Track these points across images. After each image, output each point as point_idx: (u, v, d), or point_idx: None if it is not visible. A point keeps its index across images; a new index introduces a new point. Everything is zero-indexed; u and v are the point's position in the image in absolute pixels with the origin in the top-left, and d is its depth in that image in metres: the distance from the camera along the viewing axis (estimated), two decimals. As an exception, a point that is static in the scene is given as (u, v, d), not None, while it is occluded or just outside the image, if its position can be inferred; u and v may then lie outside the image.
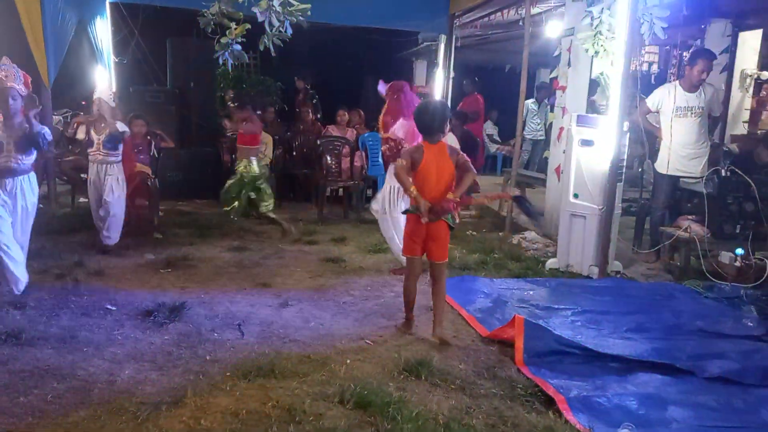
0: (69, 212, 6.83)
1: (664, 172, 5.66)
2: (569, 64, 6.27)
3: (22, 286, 4.08)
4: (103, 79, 7.75)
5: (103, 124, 5.38)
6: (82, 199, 7.26)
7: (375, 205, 5.29)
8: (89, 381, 3.03)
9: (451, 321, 4.09)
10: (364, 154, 8.01)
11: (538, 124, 10.64)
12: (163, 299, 4.16)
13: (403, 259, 4.25)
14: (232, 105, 6.44)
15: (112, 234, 5.44)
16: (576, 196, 5.31)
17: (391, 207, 5.00)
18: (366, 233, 6.63)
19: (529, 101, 10.48)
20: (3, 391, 2.88)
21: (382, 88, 5.28)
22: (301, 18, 4.80)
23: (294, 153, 8.46)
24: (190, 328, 3.75)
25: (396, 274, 5.01)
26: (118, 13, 7.88)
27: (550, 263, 5.45)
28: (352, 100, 10.28)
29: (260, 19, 4.69)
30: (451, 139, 7.94)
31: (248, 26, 4.86)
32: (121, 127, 5.45)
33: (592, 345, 3.68)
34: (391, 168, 4.98)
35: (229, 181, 6.33)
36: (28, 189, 4.17)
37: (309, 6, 4.79)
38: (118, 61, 8.00)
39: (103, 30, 7.75)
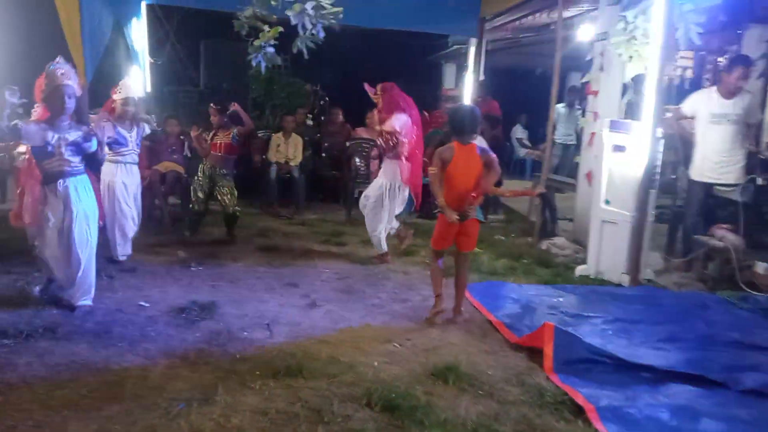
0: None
1: (698, 179, 5.56)
2: (602, 69, 6.20)
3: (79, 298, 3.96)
4: (135, 77, 7.90)
5: (129, 122, 5.12)
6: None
7: (364, 200, 5.63)
8: (122, 376, 3.09)
9: (478, 326, 4.08)
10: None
11: (569, 128, 10.53)
12: (194, 297, 4.23)
13: (384, 246, 5.49)
14: (212, 105, 6.13)
15: (129, 245, 5.15)
16: (607, 202, 5.25)
17: (389, 200, 5.47)
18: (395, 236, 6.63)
19: (560, 105, 10.37)
20: (40, 384, 2.95)
21: (369, 89, 5.59)
22: (333, 21, 4.84)
23: (323, 155, 8.51)
24: (221, 327, 3.80)
25: (378, 261, 5.53)
26: (153, 14, 8.03)
27: (580, 270, 5.39)
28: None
29: (293, 22, 4.73)
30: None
31: (281, 29, 4.91)
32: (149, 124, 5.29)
33: (623, 354, 3.62)
34: (387, 162, 5.50)
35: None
36: (83, 191, 3.97)
37: (341, 9, 4.82)
38: (153, 62, 8.13)
39: (138, 31, 7.89)
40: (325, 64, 11.21)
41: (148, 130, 5.27)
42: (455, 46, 11.29)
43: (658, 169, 5.29)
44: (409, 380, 3.20)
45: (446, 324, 4.09)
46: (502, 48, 11.02)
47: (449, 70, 12.88)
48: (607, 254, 5.28)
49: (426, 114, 8.89)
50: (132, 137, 5.13)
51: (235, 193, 6.07)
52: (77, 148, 3.93)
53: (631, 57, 5.31)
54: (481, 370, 3.40)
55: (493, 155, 4.12)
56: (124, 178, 5.10)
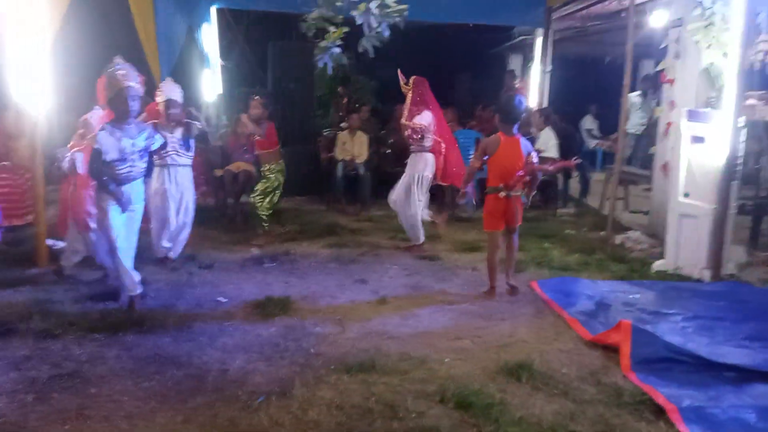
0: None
1: (785, 169, 5.27)
2: (677, 56, 5.95)
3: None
4: (206, 80, 8.16)
5: (172, 124, 4.98)
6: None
7: (395, 196, 5.83)
8: (204, 369, 3.22)
9: (551, 323, 4.01)
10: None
11: (642, 118, 10.14)
12: (268, 293, 4.36)
13: (422, 237, 5.76)
14: (257, 97, 6.07)
15: (180, 245, 5.16)
16: (686, 195, 5.04)
17: (418, 190, 5.66)
18: (460, 231, 6.61)
19: (633, 94, 10.01)
20: (129, 376, 3.11)
21: (401, 77, 5.75)
22: (398, 19, 4.85)
23: (388, 151, 8.55)
24: (295, 322, 3.90)
25: (408, 250, 5.73)
26: (223, 18, 8.28)
27: (658, 265, 5.20)
28: (445, 97, 10.24)
29: (358, 21, 4.78)
30: (546, 134, 7.79)
31: (346, 29, 4.98)
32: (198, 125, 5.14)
33: (705, 353, 3.48)
34: (413, 156, 5.72)
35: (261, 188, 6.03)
36: (138, 195, 4.09)
37: (406, 7, 4.84)
38: (224, 65, 8.39)
39: (209, 35, 8.18)
40: (388, 59, 11.25)
41: (196, 132, 5.12)
42: (521, 37, 11.08)
43: (740, 160, 5.05)
44: (482, 377, 3.19)
45: (516, 319, 4.05)
46: (570, 37, 10.74)
47: (515, 62, 12.64)
48: (686, 249, 5.08)
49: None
50: (175, 139, 4.97)
51: (266, 194, 6.02)
52: (145, 151, 4.04)
53: (709, 45, 5.06)
54: (555, 368, 3.34)
55: (535, 161, 4.45)
56: (165, 181, 5.00)
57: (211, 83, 8.24)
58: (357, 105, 9.06)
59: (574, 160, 5.26)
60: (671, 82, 6.09)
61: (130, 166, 3.95)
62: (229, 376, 3.16)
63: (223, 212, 6.75)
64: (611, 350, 3.54)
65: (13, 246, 5.34)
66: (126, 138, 3.92)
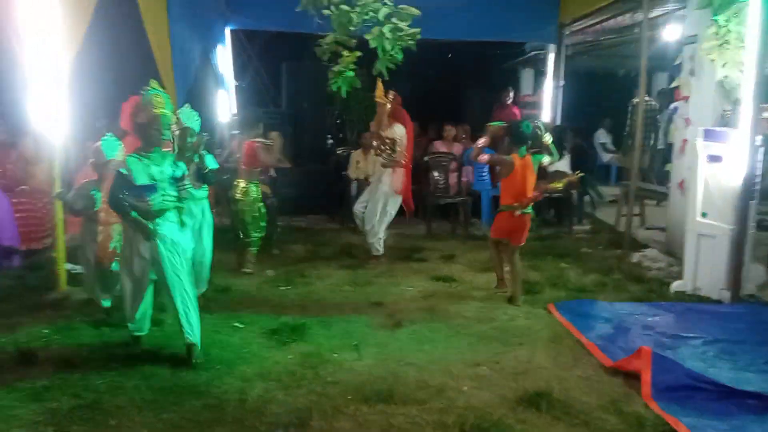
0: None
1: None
2: (692, 74, 5.93)
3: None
4: (222, 101, 8.20)
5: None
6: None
7: (363, 209, 5.96)
8: (222, 399, 3.22)
9: (570, 348, 3.98)
10: (471, 169, 7.99)
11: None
12: (285, 318, 4.36)
13: (382, 248, 5.99)
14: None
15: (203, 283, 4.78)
16: (704, 215, 5.00)
17: (391, 207, 5.91)
18: (475, 250, 6.59)
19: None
20: (148, 407, 3.12)
21: (379, 89, 5.76)
22: (411, 42, 4.89)
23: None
24: (311, 348, 3.89)
25: (375, 261, 5.92)
26: (237, 39, 8.36)
27: (676, 286, 5.15)
28: (457, 114, 10.25)
29: (372, 45, 4.83)
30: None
31: (359, 54, 5.02)
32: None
33: (727, 379, 3.44)
34: (388, 171, 5.85)
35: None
36: (173, 228, 3.76)
37: (418, 30, 4.88)
38: (238, 85, 8.47)
39: (223, 56, 8.26)
40: (400, 76, 11.31)
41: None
42: (533, 52, 11.09)
43: (759, 179, 5.00)
44: (501, 407, 3.16)
45: (534, 344, 4.02)
46: (582, 51, 10.73)
47: (527, 76, 12.63)
48: (704, 269, 5.03)
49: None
50: (190, 171, 4.45)
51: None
52: (175, 179, 3.76)
53: (725, 63, 5.03)
54: (575, 396, 3.31)
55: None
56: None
57: (225, 104, 8.31)
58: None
59: (577, 174, 5.50)
60: (686, 99, 6.06)
61: (162, 194, 3.67)
62: (247, 406, 3.15)
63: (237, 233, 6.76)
64: (632, 377, 3.50)
65: (32, 270, 5.40)
66: (153, 165, 3.67)
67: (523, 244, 4.88)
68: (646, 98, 10.20)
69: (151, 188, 3.63)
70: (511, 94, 9.82)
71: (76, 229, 4.71)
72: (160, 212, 3.67)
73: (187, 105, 4.60)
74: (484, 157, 5.01)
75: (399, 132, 5.80)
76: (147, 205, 3.63)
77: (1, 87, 5.95)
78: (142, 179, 3.60)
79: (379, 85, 5.71)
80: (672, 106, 7.70)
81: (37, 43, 4.56)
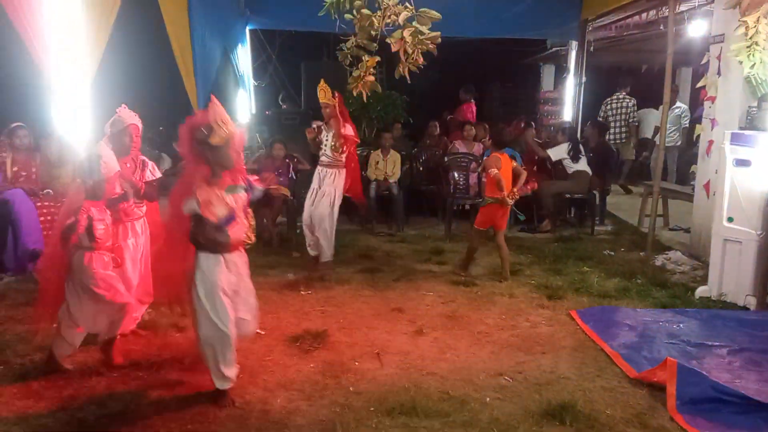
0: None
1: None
2: (719, 73, 5.81)
3: None
4: (241, 101, 8.22)
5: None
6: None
7: (311, 214, 5.74)
8: (246, 409, 3.24)
9: (593, 357, 3.94)
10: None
11: (671, 130, 9.99)
12: (306, 324, 4.38)
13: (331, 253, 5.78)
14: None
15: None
16: (730, 219, 4.91)
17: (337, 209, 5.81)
18: (494, 252, 6.50)
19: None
20: (173, 417, 3.15)
21: (324, 87, 5.65)
22: (431, 46, 4.85)
23: (420, 169, 8.53)
24: (333, 356, 3.90)
25: (326, 268, 5.73)
26: (257, 39, 8.36)
27: (701, 291, 5.08)
28: (477, 112, 10.17)
29: (394, 49, 4.79)
30: (556, 151, 7.68)
31: (378, 59, 5.00)
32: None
33: (754, 392, 3.38)
34: (334, 171, 5.74)
35: None
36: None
37: (439, 34, 4.84)
38: (257, 85, 8.48)
39: (244, 56, 8.27)
40: (420, 73, 11.23)
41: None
42: (554, 49, 10.97)
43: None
44: (525, 420, 3.14)
45: (557, 353, 3.99)
46: (605, 47, 10.58)
47: (548, 72, 12.51)
48: (730, 275, 4.95)
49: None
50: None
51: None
52: (245, 205, 3.34)
53: (753, 65, 4.92)
54: (599, 409, 3.28)
55: (518, 165, 5.77)
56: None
57: (245, 104, 8.33)
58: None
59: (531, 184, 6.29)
60: (712, 99, 5.95)
61: (239, 224, 3.26)
62: (271, 417, 3.17)
63: (258, 235, 6.79)
64: (657, 388, 3.47)
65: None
66: (228, 196, 3.22)
67: (505, 228, 5.72)
68: (622, 94, 10.11)
69: (230, 218, 3.19)
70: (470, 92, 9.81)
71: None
72: (237, 244, 3.32)
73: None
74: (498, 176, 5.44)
75: (350, 132, 5.73)
76: (226, 238, 3.22)
77: (25, 92, 6.03)
78: (221, 211, 3.14)
79: (324, 86, 5.57)
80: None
81: (61, 49, 4.59)
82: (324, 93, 5.58)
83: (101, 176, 3.50)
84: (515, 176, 5.59)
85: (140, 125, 3.98)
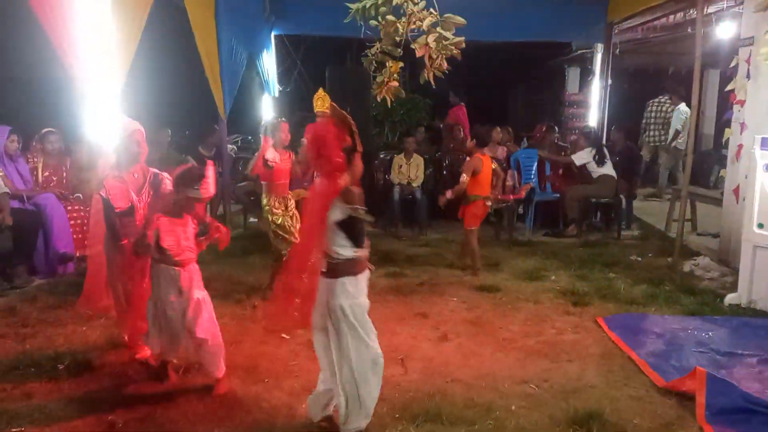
0: (241, 233, 7.42)
1: None
2: (748, 77, 5.71)
3: None
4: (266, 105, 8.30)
5: None
6: (251, 219, 7.88)
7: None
8: (272, 414, 3.27)
9: (620, 366, 3.89)
10: (516, 172, 7.89)
11: (681, 133, 9.89)
12: (330, 329, 4.38)
13: None
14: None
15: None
16: (761, 225, 4.81)
17: None
18: (520, 257, 6.52)
19: (683, 106, 9.81)
20: (200, 420, 3.19)
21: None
22: (455, 51, 4.85)
23: (444, 172, 8.51)
24: (357, 362, 3.90)
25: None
26: (282, 44, 8.43)
27: (730, 298, 4.98)
28: (501, 115, 10.13)
29: (419, 55, 4.81)
30: (580, 156, 7.60)
31: (401, 65, 5.01)
32: None
33: (787, 404, 3.32)
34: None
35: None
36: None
37: (463, 39, 4.84)
38: (282, 90, 8.54)
39: (269, 62, 8.34)
40: (444, 78, 11.21)
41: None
42: (579, 51, 10.88)
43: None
44: (551, 429, 3.12)
45: (584, 361, 3.95)
46: (631, 49, 10.47)
47: (573, 75, 12.41)
48: (760, 282, 4.86)
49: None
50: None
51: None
52: None
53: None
54: (627, 418, 3.24)
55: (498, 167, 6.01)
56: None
57: (270, 108, 8.40)
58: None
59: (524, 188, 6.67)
60: (742, 103, 5.85)
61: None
62: (296, 422, 3.19)
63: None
64: (686, 398, 3.41)
65: (85, 277, 5.56)
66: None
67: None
68: (665, 97, 10.02)
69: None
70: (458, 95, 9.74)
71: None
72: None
73: None
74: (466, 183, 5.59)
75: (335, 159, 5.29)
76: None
77: (57, 98, 6.15)
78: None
79: (323, 95, 5.21)
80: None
81: (91, 56, 4.68)
82: (322, 102, 5.07)
83: (200, 196, 3.43)
84: (495, 177, 5.84)
85: (144, 131, 3.94)
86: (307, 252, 2.94)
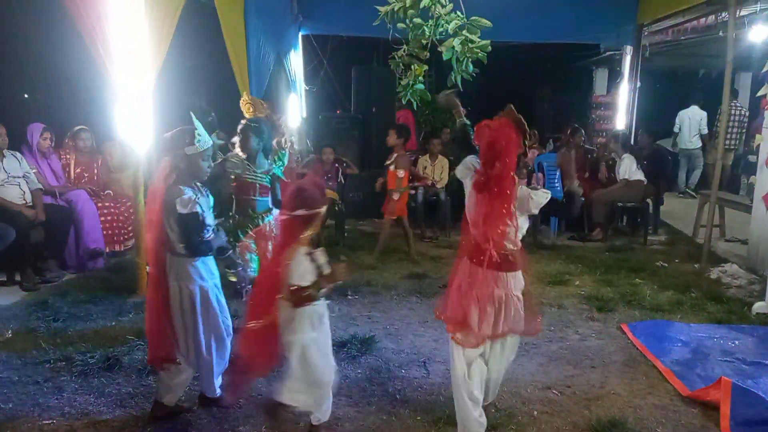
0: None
1: None
2: (781, 81, 5.61)
3: None
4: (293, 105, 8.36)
5: None
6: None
7: None
8: (295, 413, 3.30)
9: (644, 373, 3.86)
10: (541, 175, 7.85)
11: (693, 135, 9.74)
12: (353, 329, 4.43)
13: None
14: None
15: None
16: (792, 234, 4.73)
17: None
18: (543, 261, 6.48)
19: (696, 107, 9.73)
20: (225, 419, 3.24)
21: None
22: (481, 55, 4.86)
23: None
24: (380, 363, 3.94)
25: None
26: (309, 44, 8.50)
27: (758, 307, 4.91)
28: (527, 117, 10.04)
29: (445, 57, 4.82)
30: (624, 168, 7.49)
31: (426, 68, 5.04)
32: None
33: (814, 416, 3.26)
34: None
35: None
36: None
37: (489, 42, 4.84)
38: (309, 89, 8.61)
39: (296, 61, 8.41)
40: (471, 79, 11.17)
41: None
42: (608, 53, 10.76)
43: None
44: (573, 436, 3.12)
45: (607, 367, 3.93)
46: (660, 51, 10.33)
47: (600, 76, 12.29)
48: (790, 291, 4.77)
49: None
50: None
51: None
52: None
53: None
54: (650, 427, 3.22)
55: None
56: None
57: (296, 108, 8.47)
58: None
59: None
60: (774, 108, 5.75)
61: None
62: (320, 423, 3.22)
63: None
64: (710, 407, 3.38)
65: (115, 273, 5.69)
66: None
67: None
68: (736, 103, 9.91)
69: None
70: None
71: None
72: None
73: None
74: None
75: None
76: None
77: (89, 97, 6.30)
78: None
79: (251, 100, 5.12)
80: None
81: (124, 59, 4.77)
82: (252, 108, 4.90)
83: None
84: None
85: None
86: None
